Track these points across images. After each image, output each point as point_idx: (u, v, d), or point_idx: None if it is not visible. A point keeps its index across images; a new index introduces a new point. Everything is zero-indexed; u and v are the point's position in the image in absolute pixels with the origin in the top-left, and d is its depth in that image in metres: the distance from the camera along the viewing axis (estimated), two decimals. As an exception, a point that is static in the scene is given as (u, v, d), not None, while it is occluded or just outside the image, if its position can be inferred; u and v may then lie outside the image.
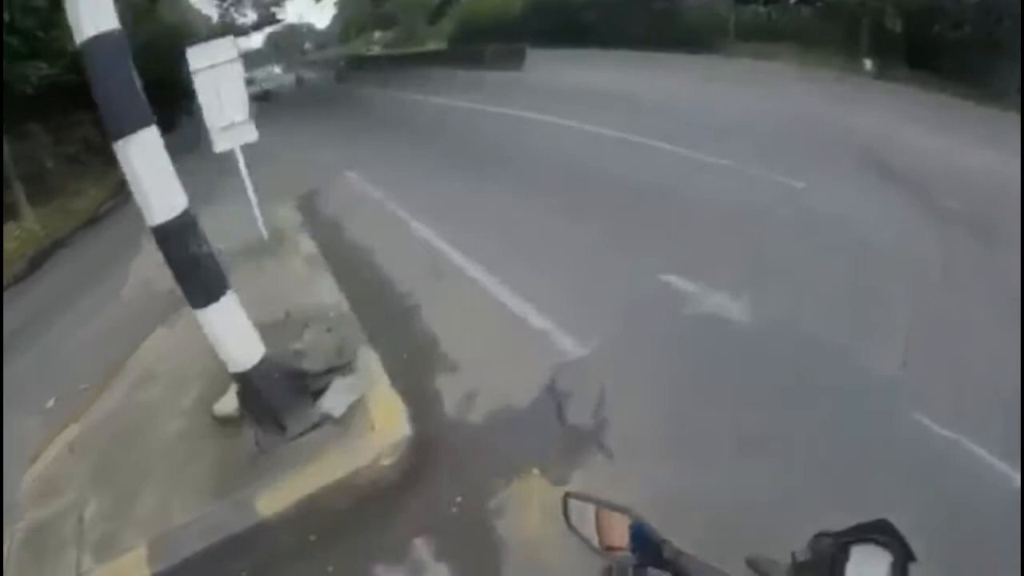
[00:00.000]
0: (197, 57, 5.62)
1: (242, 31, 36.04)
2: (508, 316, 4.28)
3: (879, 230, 4.97)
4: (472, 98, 14.48)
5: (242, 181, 6.40)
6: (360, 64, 32.08)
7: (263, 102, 22.07)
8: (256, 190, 6.52)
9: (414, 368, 3.88)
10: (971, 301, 3.88)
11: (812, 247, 4.78)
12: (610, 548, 0.98)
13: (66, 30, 2.79)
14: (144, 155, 2.75)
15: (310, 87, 30.37)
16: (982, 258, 4.47)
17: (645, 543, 0.95)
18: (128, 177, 2.79)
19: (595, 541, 0.99)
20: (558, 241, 5.45)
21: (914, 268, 4.38)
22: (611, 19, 18.15)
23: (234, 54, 5.75)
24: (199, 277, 3.00)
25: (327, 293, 5.06)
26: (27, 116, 11.63)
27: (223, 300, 3.04)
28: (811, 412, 3.02)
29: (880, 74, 11.63)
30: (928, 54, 10.82)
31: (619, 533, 0.97)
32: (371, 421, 3.28)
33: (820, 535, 0.81)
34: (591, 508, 1.01)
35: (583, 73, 14.01)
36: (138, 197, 2.82)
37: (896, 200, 5.70)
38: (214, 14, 34.37)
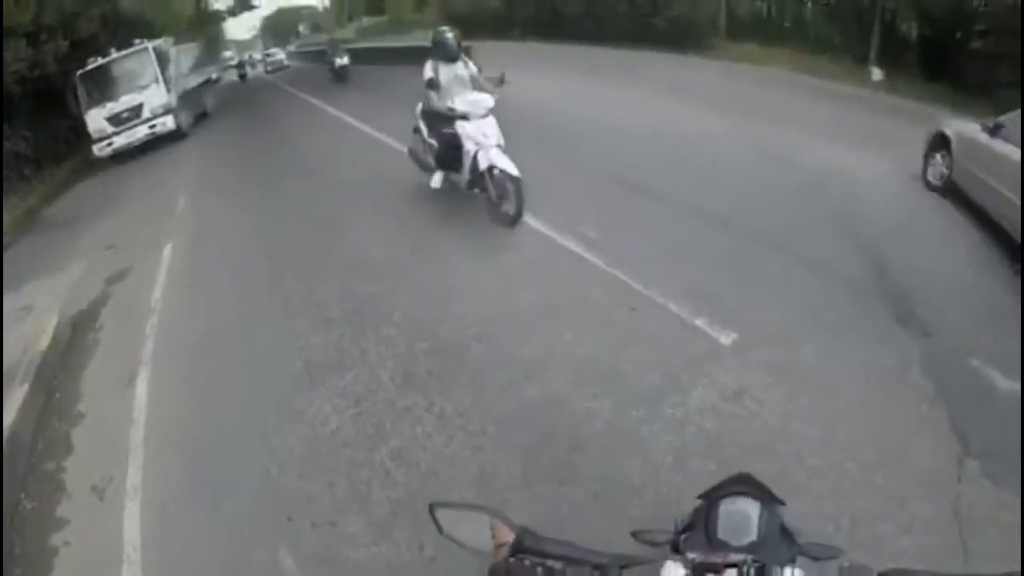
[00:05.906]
0: None
1: (220, 18, 34.07)
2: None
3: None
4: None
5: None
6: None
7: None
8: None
9: None
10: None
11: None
12: (499, 545, 0.94)
13: None
14: None
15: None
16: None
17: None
18: None
19: (485, 543, 0.94)
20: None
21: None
22: (594, 9, 16.45)
23: None
24: None
25: None
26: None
27: None
28: None
29: (889, 85, 9.93)
30: (948, 65, 9.11)
31: (502, 532, 0.94)
32: None
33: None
34: (481, 517, 0.96)
35: (534, 80, 10.29)
36: None
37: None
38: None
